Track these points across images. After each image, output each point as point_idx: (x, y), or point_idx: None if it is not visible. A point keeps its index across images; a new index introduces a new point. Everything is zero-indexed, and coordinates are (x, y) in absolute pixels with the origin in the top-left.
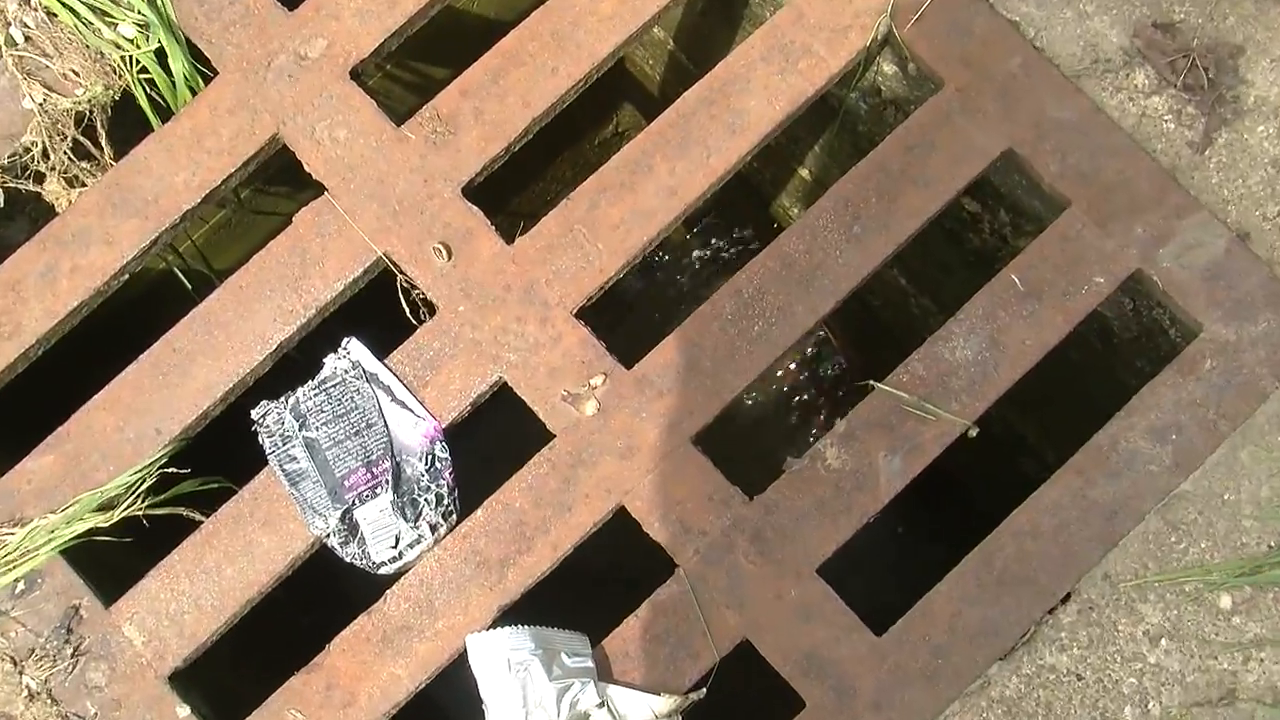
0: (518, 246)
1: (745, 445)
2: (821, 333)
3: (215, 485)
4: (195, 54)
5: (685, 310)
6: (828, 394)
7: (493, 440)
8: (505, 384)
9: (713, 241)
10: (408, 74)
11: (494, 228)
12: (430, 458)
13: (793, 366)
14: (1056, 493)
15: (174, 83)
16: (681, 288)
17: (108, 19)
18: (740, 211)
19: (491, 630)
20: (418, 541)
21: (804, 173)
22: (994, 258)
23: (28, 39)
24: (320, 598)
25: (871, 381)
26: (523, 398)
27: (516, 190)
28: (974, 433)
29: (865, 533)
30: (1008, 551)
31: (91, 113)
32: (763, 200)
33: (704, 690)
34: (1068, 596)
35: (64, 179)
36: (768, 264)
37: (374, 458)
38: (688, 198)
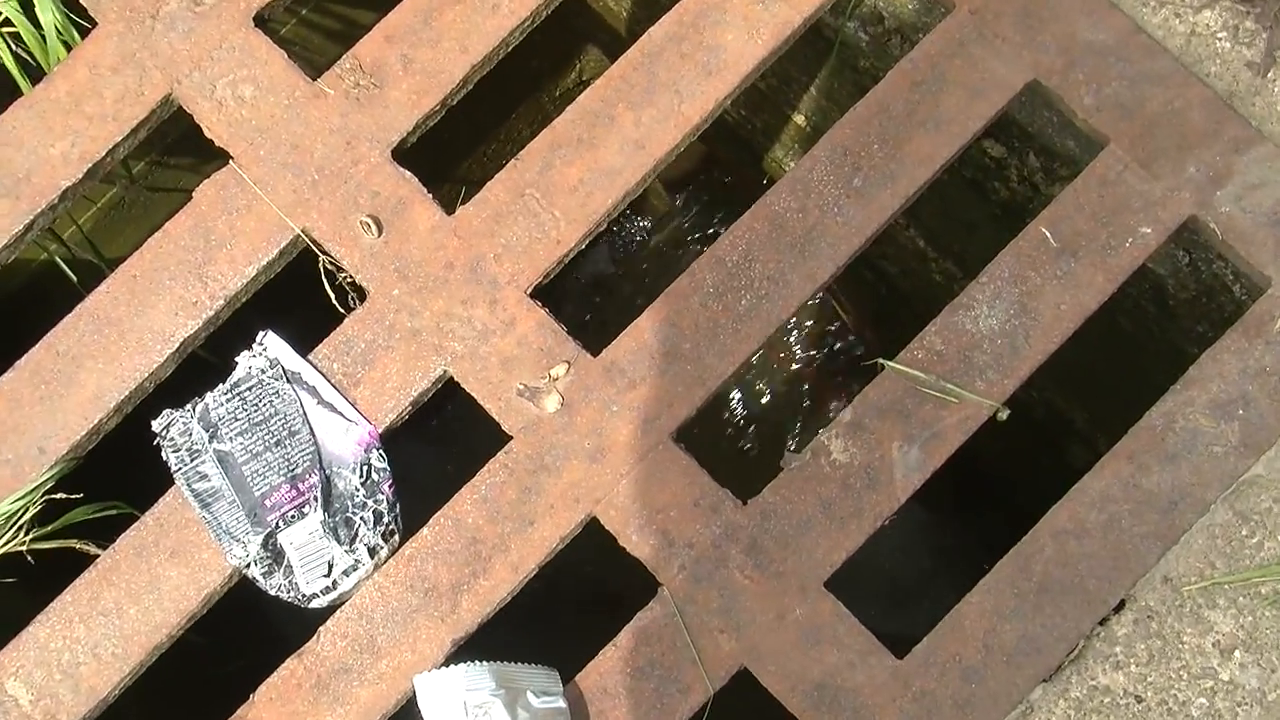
0: (460, 217)
1: (738, 440)
2: (829, 305)
3: (113, 512)
4: (68, 2)
5: (667, 287)
6: (838, 378)
7: (441, 443)
8: (451, 379)
9: (699, 206)
10: (325, 19)
11: (432, 196)
12: (365, 468)
13: (795, 347)
14: (1104, 483)
15: (44, 37)
16: (665, 261)
17: None
18: (730, 169)
19: (444, 669)
20: (355, 568)
21: (799, 120)
22: (1024, 210)
23: None
24: (244, 638)
25: (880, 360)
26: (472, 394)
27: (463, 154)
28: (1004, 415)
29: (881, 537)
30: (1048, 554)
31: None
32: (755, 154)
33: None
34: (1121, 604)
35: None
36: (754, 226)
37: (299, 471)
38: (657, 152)
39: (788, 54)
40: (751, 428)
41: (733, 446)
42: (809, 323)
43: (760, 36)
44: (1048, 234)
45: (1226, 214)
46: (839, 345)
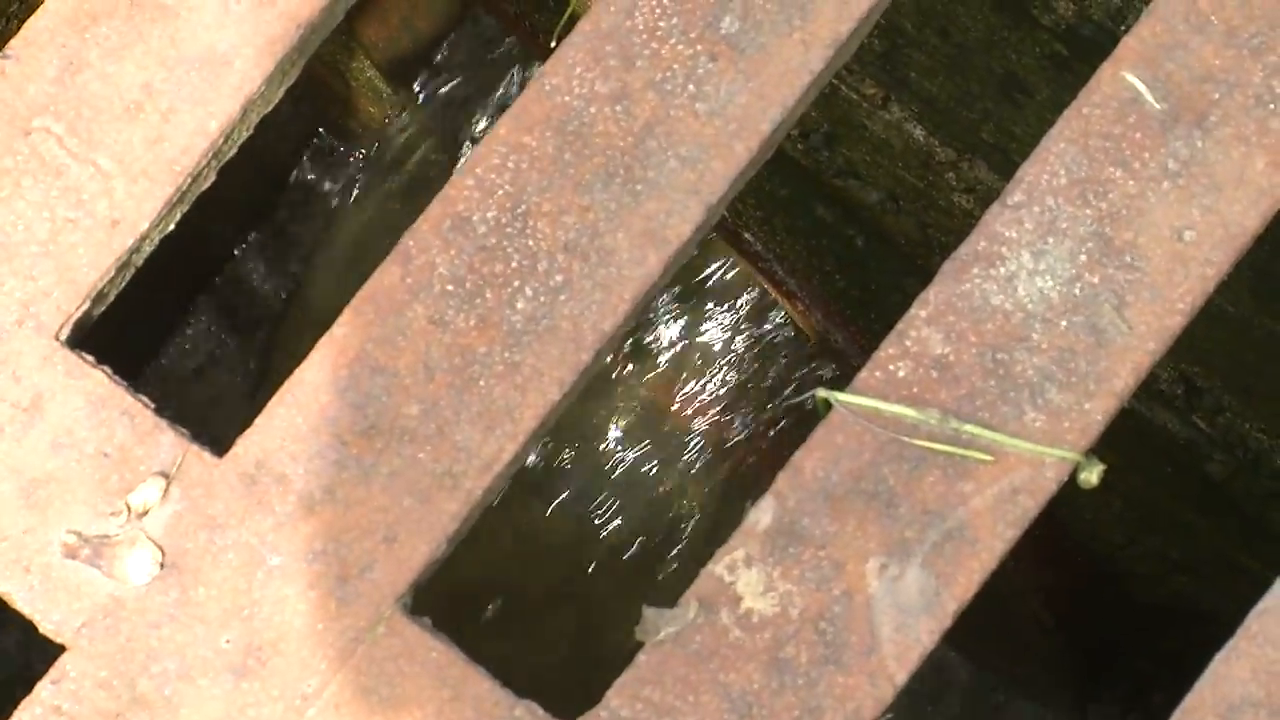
0: None
1: (571, 586)
2: (755, 288)
3: None
4: None
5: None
6: (774, 432)
7: None
8: None
9: (460, 101)
10: None
11: None
12: None
13: (685, 381)
14: None
15: None
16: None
17: None
18: (509, 23)
19: None
20: None
21: None
22: (1112, 38)
23: None
24: None
25: (820, 392)
26: None
27: None
28: (1093, 475)
29: None
30: None
31: None
32: None
33: None
34: None
35: None
36: (523, 142)
37: None
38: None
39: None
40: (601, 554)
41: (556, 600)
42: (713, 326)
43: None
44: (1139, 85)
45: None
46: (781, 367)
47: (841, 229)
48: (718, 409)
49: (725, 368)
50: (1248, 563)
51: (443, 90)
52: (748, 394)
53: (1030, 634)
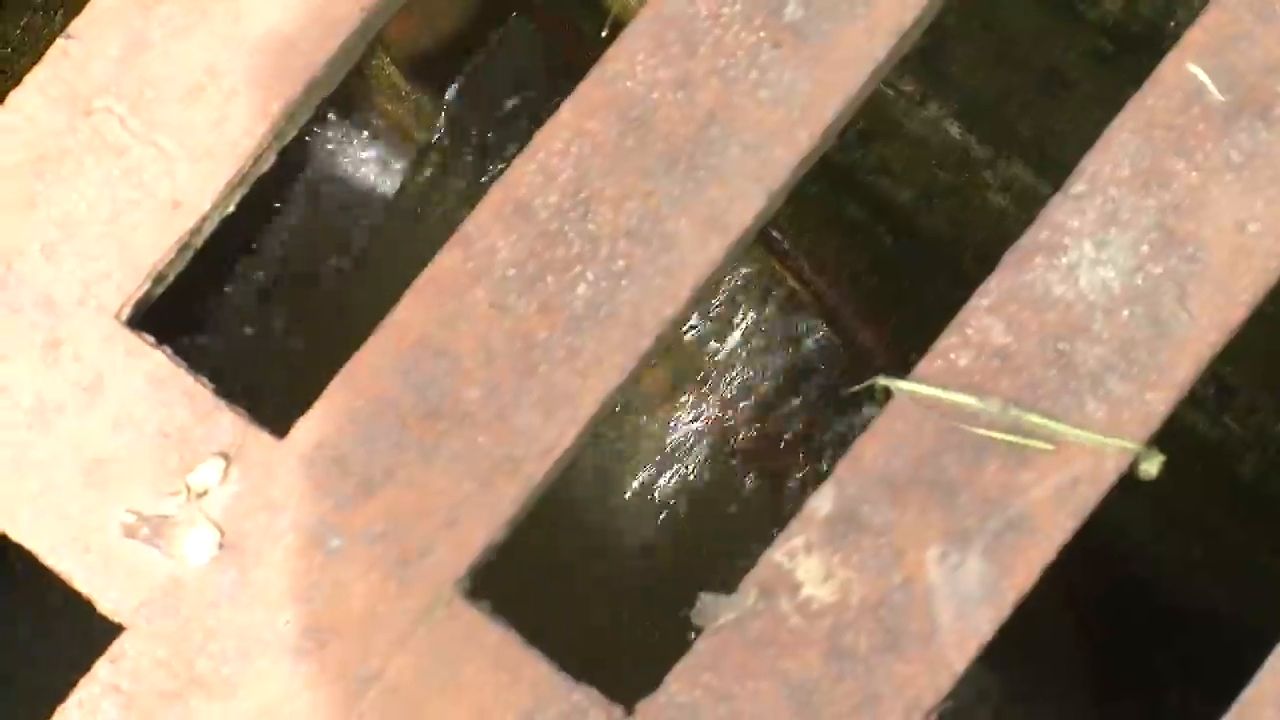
0: None
1: (616, 575)
2: (781, 286)
3: None
4: None
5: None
6: (804, 428)
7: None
8: None
9: (487, 102)
10: None
11: None
12: None
13: (718, 375)
14: None
15: None
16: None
17: None
18: (546, 19)
19: None
20: None
21: None
22: (1159, 33)
23: None
24: None
25: (883, 379)
26: (26, 545)
27: None
28: (1152, 466)
29: None
30: None
31: None
32: None
33: None
34: None
35: None
36: (584, 127)
37: None
38: None
39: None
40: (643, 539)
41: (604, 586)
42: (739, 321)
43: None
44: (1203, 77)
45: None
46: (809, 360)
47: (872, 227)
48: (750, 409)
49: (749, 361)
50: (1275, 565)
51: (465, 89)
52: (782, 389)
53: (1049, 633)
